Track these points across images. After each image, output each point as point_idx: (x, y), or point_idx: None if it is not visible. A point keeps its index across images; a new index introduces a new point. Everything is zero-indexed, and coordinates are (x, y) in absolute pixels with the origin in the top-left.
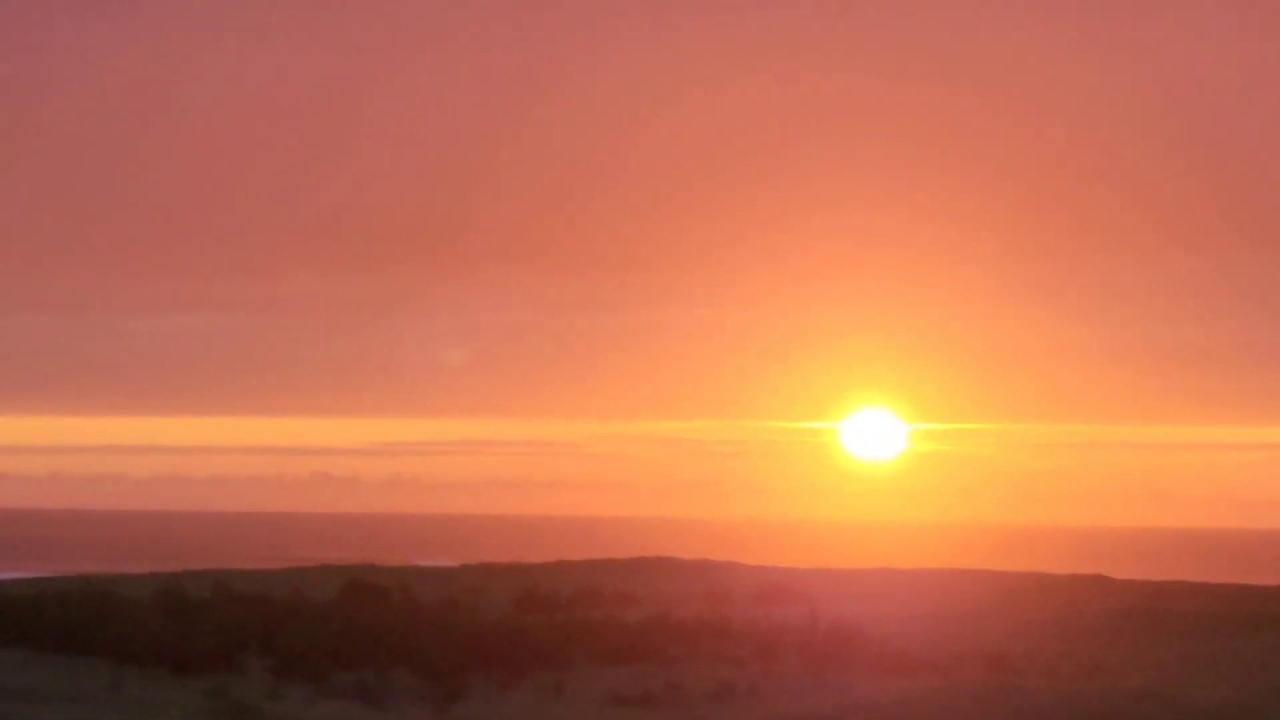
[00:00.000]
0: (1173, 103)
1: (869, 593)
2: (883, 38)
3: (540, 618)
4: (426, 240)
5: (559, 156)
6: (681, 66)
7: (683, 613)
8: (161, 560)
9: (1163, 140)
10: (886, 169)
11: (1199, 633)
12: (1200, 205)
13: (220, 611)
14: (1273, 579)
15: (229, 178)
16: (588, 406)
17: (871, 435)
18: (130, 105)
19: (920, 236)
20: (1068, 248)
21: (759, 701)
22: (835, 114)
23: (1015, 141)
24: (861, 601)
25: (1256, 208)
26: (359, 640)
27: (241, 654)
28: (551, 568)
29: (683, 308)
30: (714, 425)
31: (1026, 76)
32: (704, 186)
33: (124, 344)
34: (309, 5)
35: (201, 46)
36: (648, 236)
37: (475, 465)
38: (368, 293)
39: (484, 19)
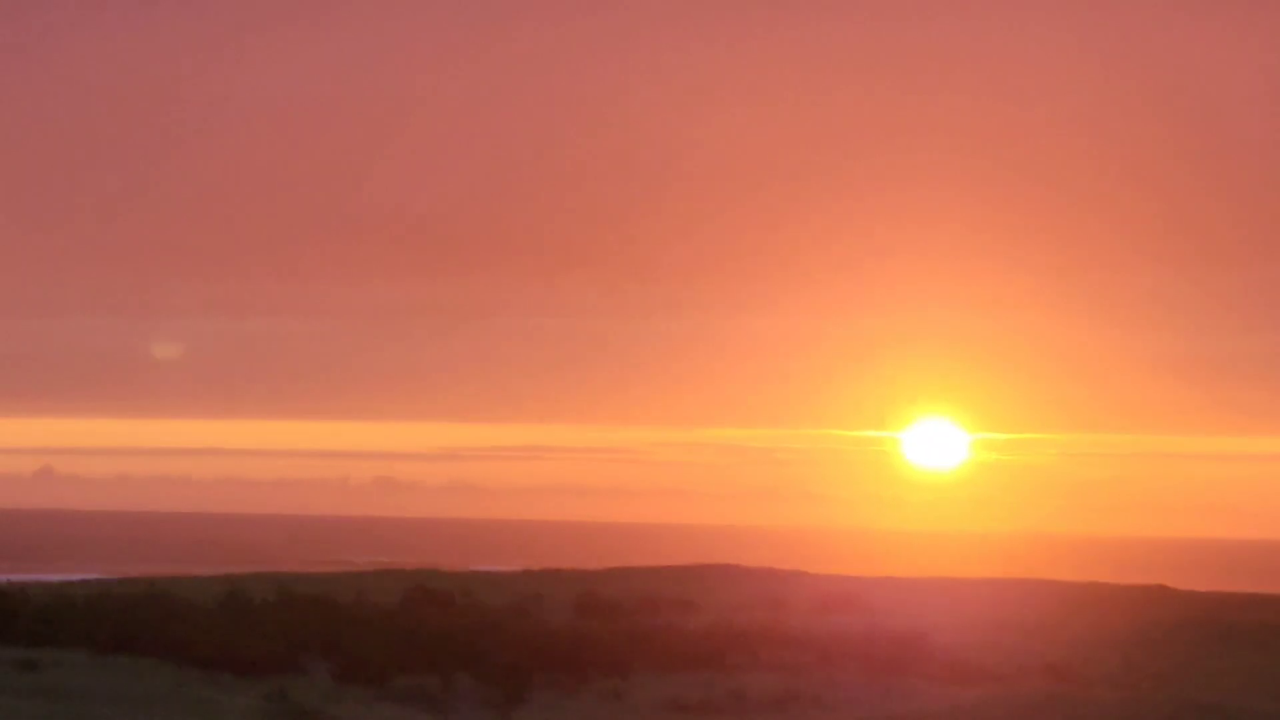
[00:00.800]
0: (1234, 121)
1: (930, 602)
2: (948, 53)
3: (602, 624)
4: (492, 247)
5: (624, 165)
6: (748, 76)
7: (744, 620)
8: (225, 563)
9: (1229, 156)
10: (951, 181)
11: (1261, 644)
12: (1267, 220)
13: (282, 614)
14: None
15: (297, 184)
16: (651, 413)
17: (934, 445)
18: (201, 114)
19: (983, 248)
20: (1131, 260)
21: (821, 709)
22: (900, 126)
23: (1078, 156)
24: (923, 610)
25: None
26: (421, 645)
27: (303, 657)
28: (613, 574)
29: (747, 315)
30: (777, 433)
31: (1089, 94)
32: (768, 196)
33: (191, 347)
34: (369, 13)
35: (259, 52)
36: (713, 245)
37: (537, 471)
38: (433, 299)
39: (550, 31)
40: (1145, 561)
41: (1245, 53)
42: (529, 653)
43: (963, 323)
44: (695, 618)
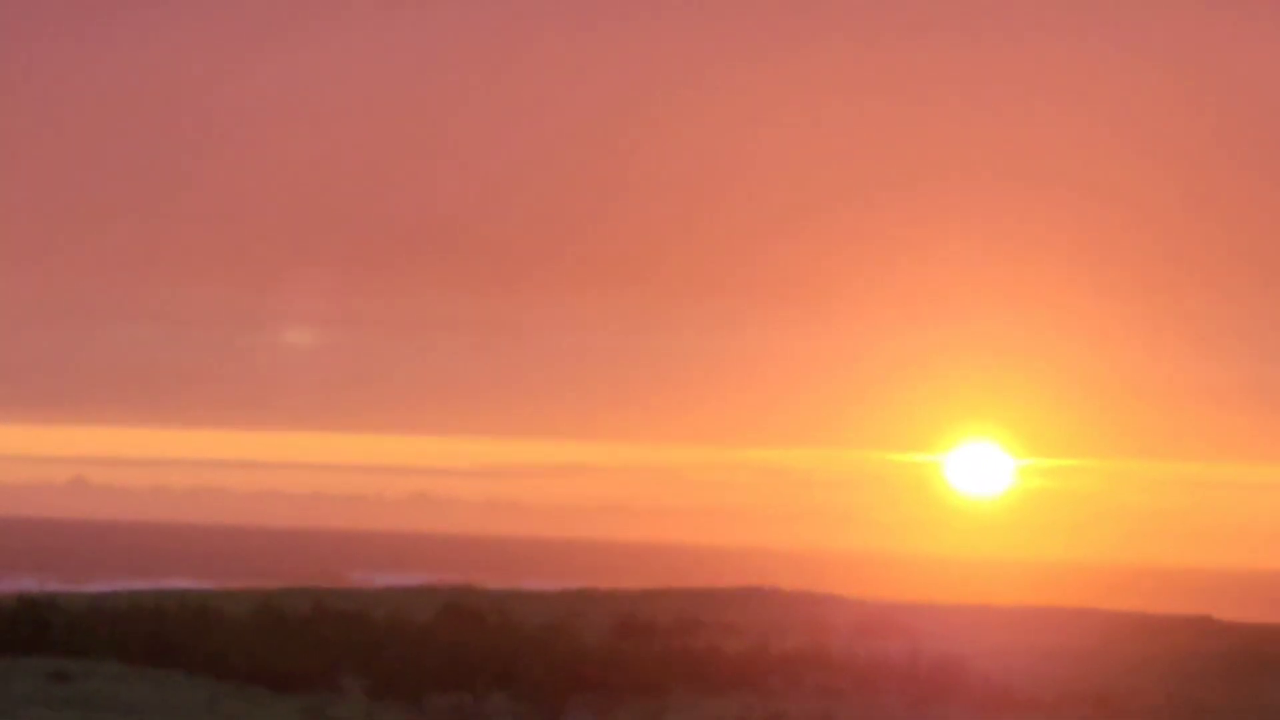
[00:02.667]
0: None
1: (971, 628)
2: (1000, 71)
3: (641, 645)
4: (535, 261)
5: (663, 180)
6: (780, 91)
7: (783, 644)
8: (261, 576)
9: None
10: (1003, 198)
11: None
12: None
13: (317, 630)
14: None
15: (338, 194)
16: (692, 432)
17: (978, 469)
18: (242, 120)
19: (1029, 267)
20: (1182, 282)
21: None
22: (951, 142)
23: (1131, 170)
24: (964, 637)
25: None
26: (457, 662)
27: (337, 673)
28: (652, 595)
29: (789, 332)
30: (818, 454)
31: (1136, 105)
32: (810, 209)
33: (228, 358)
34: (404, 18)
35: (295, 59)
36: (758, 262)
37: (575, 489)
38: (472, 312)
39: (598, 41)
40: (1191, 591)
41: None
42: (565, 672)
43: (1010, 343)
44: (734, 640)
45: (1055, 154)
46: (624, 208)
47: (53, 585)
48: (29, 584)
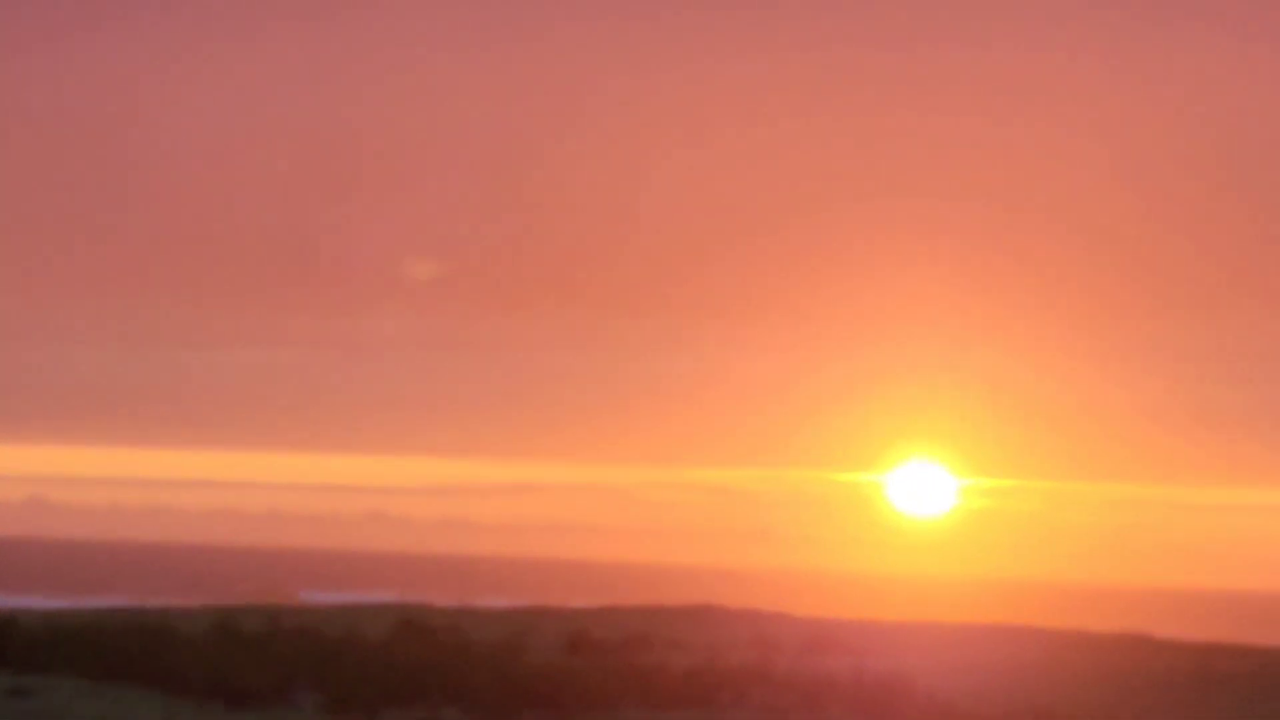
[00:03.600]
0: (1253, 158)
1: (915, 646)
2: (948, 86)
3: (590, 662)
4: (483, 282)
5: (612, 200)
6: (725, 106)
7: (730, 661)
8: (216, 594)
9: (1229, 196)
10: (937, 218)
11: (1246, 697)
12: (1266, 265)
13: (272, 646)
14: None
15: (289, 214)
16: (639, 452)
17: (920, 488)
18: (190, 139)
19: (975, 286)
20: (1123, 304)
21: None
22: (890, 162)
23: (1072, 194)
24: (908, 655)
25: None
26: (410, 679)
27: (293, 689)
28: (601, 612)
29: (735, 353)
30: (763, 474)
31: (1091, 125)
32: (757, 228)
33: (181, 377)
34: (373, 34)
35: (257, 72)
36: (700, 282)
37: (526, 508)
38: (423, 331)
39: (543, 53)
40: (1130, 609)
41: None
42: (517, 688)
43: (953, 363)
44: (682, 657)
45: (1000, 174)
46: (570, 225)
47: (10, 603)
48: None
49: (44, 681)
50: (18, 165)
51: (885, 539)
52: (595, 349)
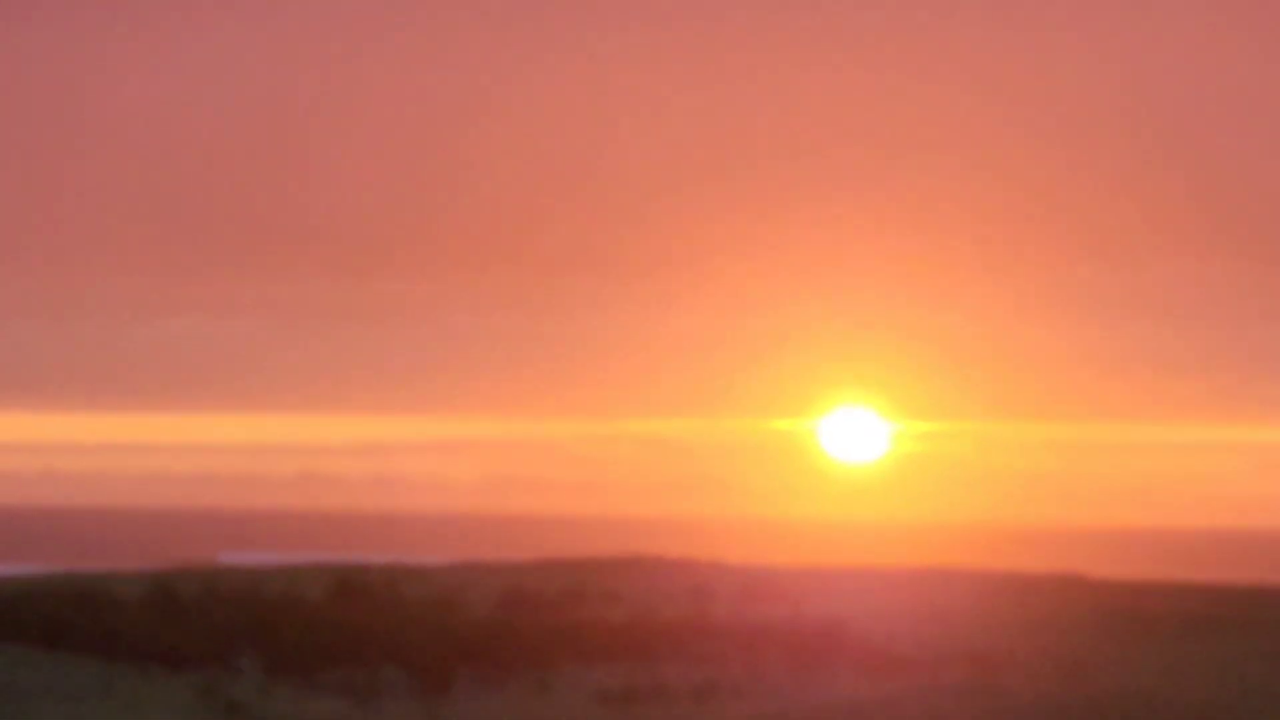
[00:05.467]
0: (1159, 108)
1: (851, 592)
2: (871, 41)
3: (526, 617)
4: (413, 241)
5: (542, 160)
6: (664, 70)
7: (667, 612)
8: (153, 558)
9: (1151, 146)
10: (867, 169)
11: (1178, 633)
12: (1185, 210)
13: (211, 610)
14: (1252, 579)
15: (215, 181)
16: (570, 405)
17: (852, 433)
18: (120, 109)
19: (901, 236)
20: (1050, 250)
21: (743, 699)
22: (815, 116)
23: (999, 143)
24: (844, 600)
25: (1235, 213)
26: (348, 638)
27: (232, 651)
28: (537, 567)
29: (666, 306)
30: (696, 424)
31: (1012, 78)
32: (684, 188)
33: (115, 343)
34: (298, 7)
35: (186, 46)
36: (629, 239)
37: (458, 464)
38: (354, 293)
39: (472, 20)
40: (1062, 549)
41: (1194, 39)
42: (455, 645)
43: (881, 310)
44: (618, 609)
45: (926, 125)
46: (499, 188)
47: None
48: None
49: None
50: None
51: (819, 485)
52: (526, 306)
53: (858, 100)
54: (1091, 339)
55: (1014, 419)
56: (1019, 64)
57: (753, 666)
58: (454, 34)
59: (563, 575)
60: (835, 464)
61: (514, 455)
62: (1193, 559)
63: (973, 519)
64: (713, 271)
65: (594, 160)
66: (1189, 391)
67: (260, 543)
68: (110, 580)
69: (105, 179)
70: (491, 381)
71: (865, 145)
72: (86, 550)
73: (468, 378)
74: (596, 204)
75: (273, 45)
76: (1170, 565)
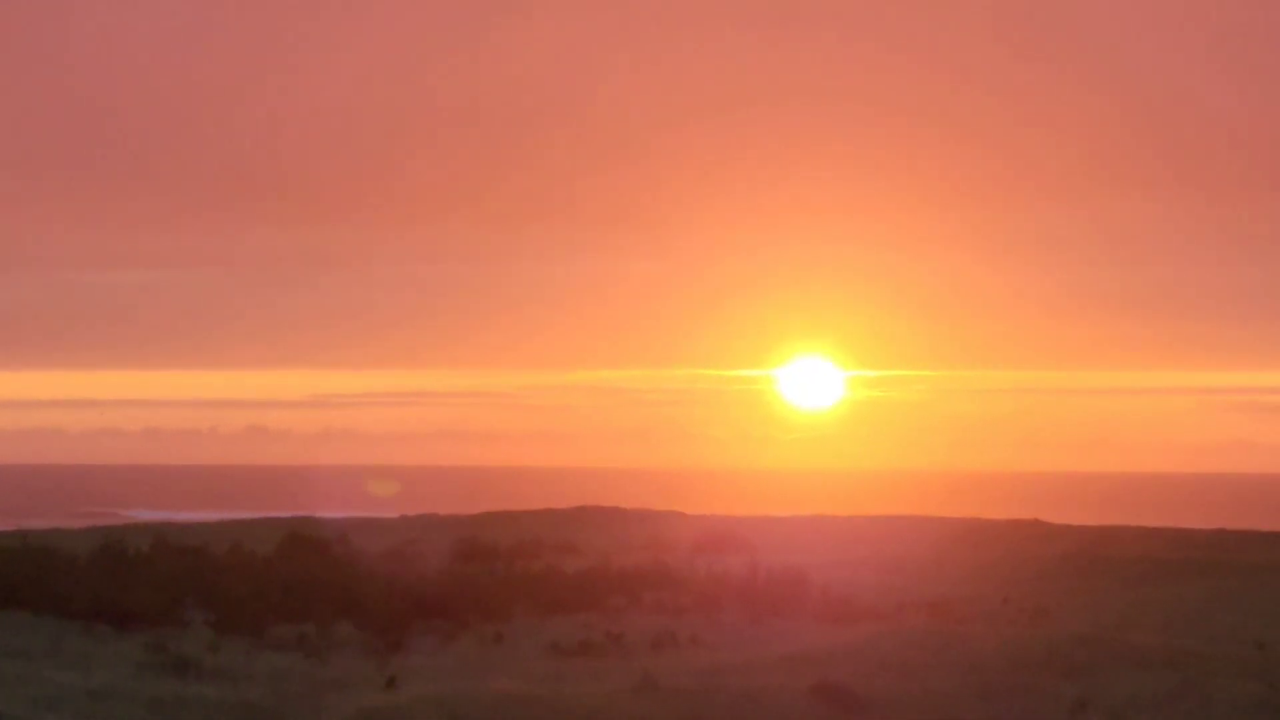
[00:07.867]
0: (1114, 49)
1: (810, 540)
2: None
3: (481, 569)
4: (361, 193)
5: (496, 110)
6: (611, 18)
7: (624, 562)
8: (99, 515)
9: (1105, 85)
10: (820, 118)
11: (1139, 578)
12: (1136, 151)
13: (160, 565)
14: (1210, 523)
15: (159, 133)
16: (524, 357)
17: (809, 382)
18: (59, 55)
19: (854, 184)
20: (1002, 194)
21: (701, 650)
22: (771, 63)
23: (948, 87)
24: (803, 549)
25: (1193, 154)
26: (299, 593)
27: (181, 607)
28: (491, 518)
29: (620, 256)
30: (651, 374)
31: (960, 21)
32: (638, 136)
33: (57, 298)
34: None
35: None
36: (584, 187)
37: (410, 417)
38: (302, 246)
39: None
40: (1022, 496)
41: None
42: (408, 599)
43: (836, 259)
44: (574, 560)
45: (878, 75)
46: (452, 137)
47: None
48: None
49: None
50: None
51: (776, 434)
52: (478, 257)
53: (810, 53)
54: (1048, 284)
55: (971, 366)
56: (967, 5)
57: (711, 617)
58: None
59: (519, 527)
60: (793, 412)
61: (468, 406)
62: (1153, 504)
63: (931, 466)
64: (669, 223)
65: (548, 111)
66: (1147, 335)
67: (209, 499)
68: (56, 537)
69: (46, 128)
70: (445, 333)
71: (819, 96)
72: (33, 508)
73: (421, 329)
74: (551, 155)
75: None
76: (1131, 510)
